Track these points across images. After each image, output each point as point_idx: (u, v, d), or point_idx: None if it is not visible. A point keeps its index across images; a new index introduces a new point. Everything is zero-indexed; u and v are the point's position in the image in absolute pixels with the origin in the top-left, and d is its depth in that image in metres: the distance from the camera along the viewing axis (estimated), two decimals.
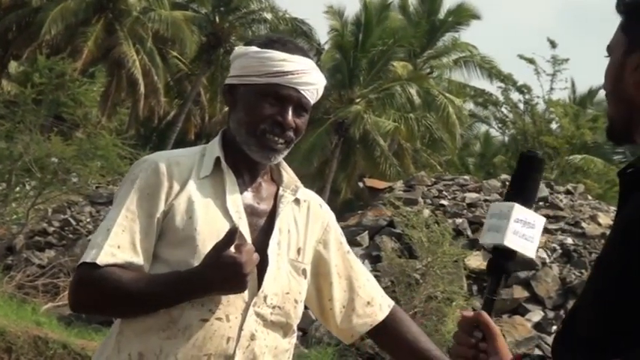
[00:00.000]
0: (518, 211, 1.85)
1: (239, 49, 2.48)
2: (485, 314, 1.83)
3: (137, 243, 2.30)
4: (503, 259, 1.87)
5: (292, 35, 33.62)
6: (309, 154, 29.51)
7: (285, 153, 2.44)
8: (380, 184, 18.79)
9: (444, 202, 16.44)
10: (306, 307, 2.55)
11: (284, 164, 2.53)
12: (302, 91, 2.39)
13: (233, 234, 2.19)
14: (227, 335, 2.29)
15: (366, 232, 14.92)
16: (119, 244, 2.28)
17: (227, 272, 2.19)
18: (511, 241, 1.83)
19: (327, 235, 2.55)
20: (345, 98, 30.95)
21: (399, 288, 12.73)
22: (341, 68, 31.71)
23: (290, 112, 2.38)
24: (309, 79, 2.41)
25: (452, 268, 13.32)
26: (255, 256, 2.22)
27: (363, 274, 2.60)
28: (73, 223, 18.53)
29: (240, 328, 2.30)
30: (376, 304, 2.58)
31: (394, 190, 17.21)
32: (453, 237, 13.93)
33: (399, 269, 13.01)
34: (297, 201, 2.49)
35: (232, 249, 2.19)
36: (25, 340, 10.25)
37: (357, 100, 30.86)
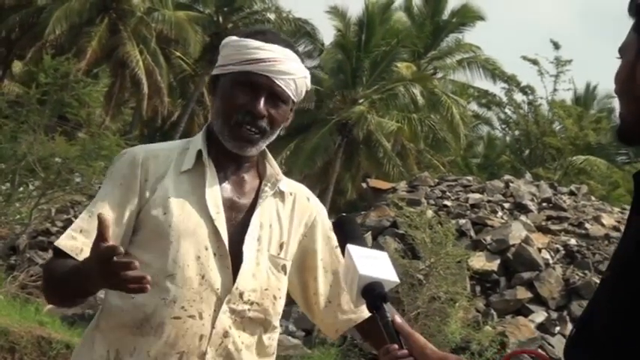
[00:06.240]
0: (354, 249, 2.03)
1: (224, 40, 2.47)
2: (398, 325, 1.95)
3: None
4: (377, 289, 1.98)
5: (295, 35, 33.70)
6: (312, 154, 29.52)
7: (263, 144, 2.41)
8: (383, 185, 18.78)
9: (447, 202, 16.44)
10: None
11: (269, 157, 2.50)
12: (275, 80, 2.35)
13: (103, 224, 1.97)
14: (200, 333, 2.28)
15: (370, 232, 14.92)
16: (82, 228, 2.30)
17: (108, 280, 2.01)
18: (365, 270, 1.98)
19: (314, 228, 2.51)
20: (349, 99, 30.96)
21: (402, 289, 12.73)
22: (344, 69, 31.73)
23: (262, 101, 2.35)
24: (283, 68, 2.37)
25: (455, 269, 13.32)
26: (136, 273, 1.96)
27: None
28: None
29: (213, 326, 2.29)
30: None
31: (397, 191, 17.21)
32: (457, 238, 13.93)
33: (403, 270, 13.01)
34: (281, 194, 2.46)
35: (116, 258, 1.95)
36: (29, 340, 10.26)
37: (361, 101, 30.88)
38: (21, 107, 16.57)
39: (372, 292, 1.97)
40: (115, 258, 1.93)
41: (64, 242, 2.30)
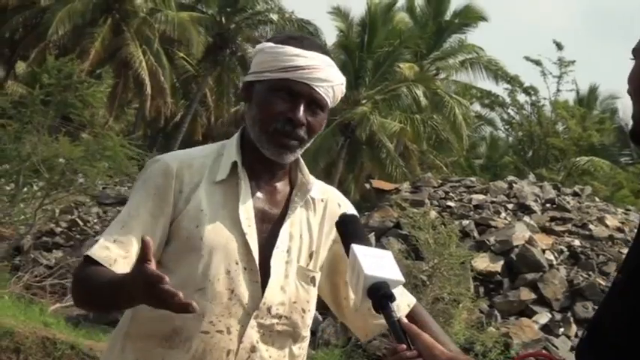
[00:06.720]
0: (359, 248, 2.04)
1: (258, 45, 2.45)
2: (405, 324, 1.96)
3: (133, 239, 2.26)
4: (382, 289, 1.97)
5: None
6: (315, 155, 29.48)
7: (300, 152, 2.42)
8: (387, 186, 18.76)
9: (450, 203, 16.41)
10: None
11: (302, 164, 2.48)
12: (315, 87, 2.34)
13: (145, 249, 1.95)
14: (227, 348, 2.27)
15: (373, 233, 14.90)
16: (115, 239, 2.26)
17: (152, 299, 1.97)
18: (370, 270, 1.98)
19: None
20: (351, 99, 30.93)
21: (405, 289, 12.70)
22: (347, 69, 31.70)
23: (302, 109, 2.33)
24: (322, 75, 2.35)
25: (459, 270, 13.30)
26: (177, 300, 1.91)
27: None
28: (81, 223, 18.55)
29: (240, 341, 2.28)
30: None
31: (401, 192, 17.18)
32: (460, 238, 13.91)
33: (406, 271, 12.98)
34: (312, 201, 2.44)
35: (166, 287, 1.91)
36: (34, 341, 10.27)
37: (363, 102, 30.85)
38: (25, 108, 16.59)
39: (378, 292, 1.96)
40: (161, 285, 1.90)
41: (97, 252, 2.25)
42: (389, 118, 31.19)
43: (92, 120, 18.63)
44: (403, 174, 29.00)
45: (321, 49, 2.41)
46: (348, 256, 2.08)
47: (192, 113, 35.08)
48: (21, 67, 34.79)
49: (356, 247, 2.05)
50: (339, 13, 33.27)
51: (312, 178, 2.48)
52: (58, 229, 18.30)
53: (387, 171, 29.65)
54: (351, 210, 2.52)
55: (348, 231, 2.17)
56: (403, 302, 2.53)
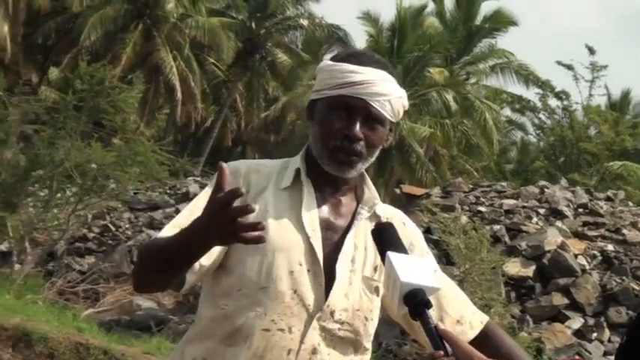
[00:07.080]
0: (395, 256, 2.05)
1: (319, 64, 2.49)
2: (442, 331, 1.96)
3: None
4: (419, 296, 1.98)
5: (328, 41, 33.75)
6: None
7: (361, 167, 2.43)
8: (417, 191, 18.72)
9: (481, 208, 16.36)
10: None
11: (367, 180, 2.51)
12: (370, 102, 2.37)
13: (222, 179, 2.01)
14: (288, 347, 2.28)
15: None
16: (182, 225, 2.23)
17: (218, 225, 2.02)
18: (407, 277, 1.99)
19: (410, 253, 2.41)
20: None
21: None
22: None
23: (358, 124, 2.36)
24: (378, 90, 2.38)
25: (490, 275, 13.25)
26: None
27: (451, 291, 2.52)
28: (113, 229, 18.66)
29: (302, 341, 2.29)
30: (466, 323, 2.48)
31: (431, 197, 17.16)
32: (491, 244, 13.86)
33: None
34: (377, 218, 2.45)
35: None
36: (67, 346, 10.36)
37: None
38: (58, 113, 16.69)
39: (414, 299, 1.97)
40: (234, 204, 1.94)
41: (165, 235, 2.27)
42: (419, 123, 31.11)
43: (124, 125, 18.61)
44: (433, 179, 28.91)
45: (378, 63, 2.44)
46: (384, 263, 2.09)
47: (223, 119, 35.22)
48: (54, 72, 35.06)
49: (392, 255, 2.06)
50: (369, 18, 33.26)
51: (378, 196, 2.50)
52: (91, 235, 18.40)
53: (417, 176, 29.56)
54: (415, 230, 2.56)
55: (384, 238, 2.18)
56: (476, 319, 2.51)
